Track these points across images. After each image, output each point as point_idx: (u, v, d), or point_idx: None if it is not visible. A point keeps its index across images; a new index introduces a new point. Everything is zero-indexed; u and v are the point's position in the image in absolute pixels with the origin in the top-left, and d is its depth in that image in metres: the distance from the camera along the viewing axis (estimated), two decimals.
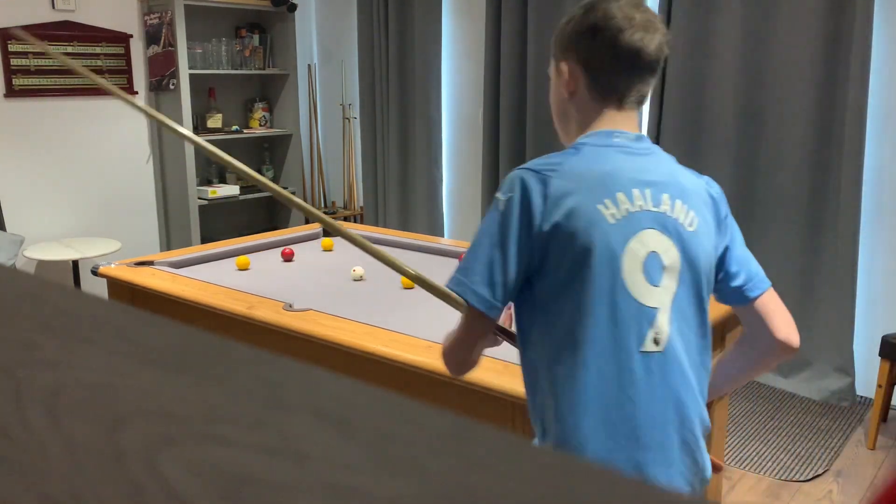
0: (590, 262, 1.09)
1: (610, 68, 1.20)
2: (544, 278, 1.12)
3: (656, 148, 1.25)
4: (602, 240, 1.10)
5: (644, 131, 3.97)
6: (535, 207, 1.11)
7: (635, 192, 1.14)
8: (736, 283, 1.22)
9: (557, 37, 1.26)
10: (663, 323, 1.10)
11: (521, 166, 1.17)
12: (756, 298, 1.21)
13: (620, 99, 1.22)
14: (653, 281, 1.11)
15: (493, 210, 1.14)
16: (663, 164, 1.21)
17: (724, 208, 1.23)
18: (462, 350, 1.20)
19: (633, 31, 1.17)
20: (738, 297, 1.23)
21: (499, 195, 1.15)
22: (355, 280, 2.45)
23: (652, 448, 1.08)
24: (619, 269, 1.10)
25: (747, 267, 1.23)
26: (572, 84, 1.24)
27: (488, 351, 1.61)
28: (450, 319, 2.03)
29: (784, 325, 1.21)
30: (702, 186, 1.21)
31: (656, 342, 1.10)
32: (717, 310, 2.01)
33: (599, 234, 1.10)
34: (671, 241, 1.13)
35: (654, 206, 1.14)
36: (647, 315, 1.10)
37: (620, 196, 1.13)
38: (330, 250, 2.82)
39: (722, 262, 1.21)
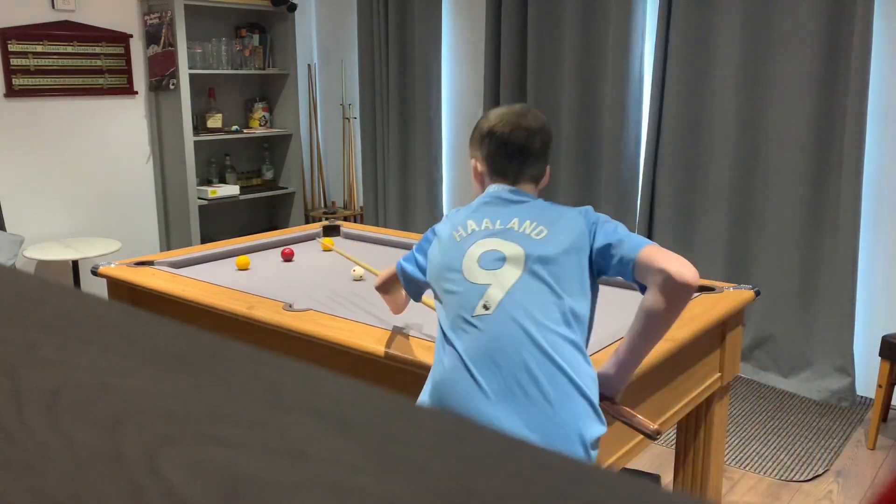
0: (440, 266, 1.58)
1: (502, 160, 1.62)
2: (429, 277, 1.64)
3: (534, 198, 1.62)
4: (450, 252, 1.57)
5: (644, 131, 3.98)
6: (432, 235, 1.69)
7: (486, 220, 1.58)
8: (613, 262, 1.48)
9: (470, 139, 1.70)
10: (494, 294, 1.47)
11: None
12: (635, 259, 1.44)
13: (514, 181, 1.64)
14: (486, 267, 1.51)
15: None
16: (525, 205, 1.59)
17: (592, 218, 1.54)
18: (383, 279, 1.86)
19: (517, 132, 1.61)
20: (622, 269, 1.47)
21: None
22: (355, 280, 2.45)
23: (479, 384, 1.42)
24: (460, 267, 1.53)
25: (620, 249, 1.47)
26: (480, 176, 1.68)
27: None
28: None
29: (674, 260, 1.40)
30: (565, 213, 1.55)
31: (486, 308, 1.47)
32: (716, 309, 2.01)
33: (448, 249, 1.57)
34: (515, 244, 1.52)
35: (500, 226, 1.55)
36: (478, 290, 1.49)
37: (470, 223, 1.59)
38: (329, 250, 2.81)
39: (599, 253, 1.51)
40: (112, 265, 2.47)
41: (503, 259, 1.49)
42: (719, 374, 2.17)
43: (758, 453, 3.04)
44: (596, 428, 1.41)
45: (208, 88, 4.99)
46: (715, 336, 2.12)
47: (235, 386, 0.35)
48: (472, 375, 1.42)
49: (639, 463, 2.95)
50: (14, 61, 4.10)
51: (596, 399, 1.43)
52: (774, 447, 3.09)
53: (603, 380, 1.50)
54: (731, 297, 2.12)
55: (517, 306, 1.44)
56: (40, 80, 4.21)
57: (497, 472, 0.28)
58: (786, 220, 3.57)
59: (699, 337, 1.97)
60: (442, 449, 0.29)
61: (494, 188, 1.63)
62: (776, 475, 2.86)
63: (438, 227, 1.66)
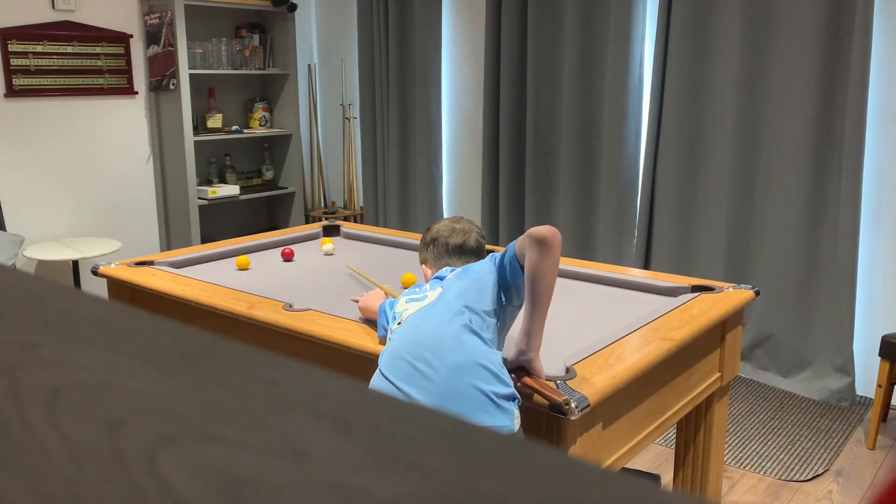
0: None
1: (447, 259, 1.96)
2: None
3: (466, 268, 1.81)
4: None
5: (644, 132, 3.98)
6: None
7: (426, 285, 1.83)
8: (507, 271, 1.67)
9: (419, 248, 2.05)
10: (406, 314, 1.72)
11: None
12: (513, 251, 1.65)
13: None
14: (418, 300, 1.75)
15: None
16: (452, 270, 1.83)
17: (491, 260, 1.75)
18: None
19: (455, 236, 1.97)
20: (512, 267, 1.67)
21: None
22: (326, 254, 2.70)
23: (392, 382, 1.59)
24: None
25: (505, 256, 1.69)
26: (426, 274, 1.99)
27: None
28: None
29: (526, 234, 1.60)
30: (479, 265, 1.77)
31: (398, 322, 1.73)
32: (716, 309, 2.01)
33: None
34: (437, 291, 1.74)
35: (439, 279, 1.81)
36: (398, 317, 1.74)
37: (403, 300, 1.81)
38: (331, 254, 2.81)
39: (501, 274, 1.69)
40: (112, 265, 2.47)
41: (425, 297, 1.75)
42: (719, 373, 2.17)
43: (758, 453, 3.04)
44: (498, 387, 1.53)
45: (208, 88, 4.99)
46: (715, 336, 2.12)
47: (235, 386, 0.35)
48: (386, 377, 1.61)
49: (639, 463, 2.95)
50: (14, 61, 4.10)
51: (494, 367, 1.56)
52: (774, 447, 3.09)
53: (517, 354, 1.61)
54: (731, 297, 2.12)
55: (424, 316, 1.67)
56: (40, 80, 4.21)
57: (497, 472, 0.28)
58: (786, 220, 3.57)
59: (699, 337, 1.97)
60: (442, 449, 0.29)
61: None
62: (776, 475, 2.86)
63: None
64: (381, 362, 1.64)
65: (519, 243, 1.63)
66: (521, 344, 1.60)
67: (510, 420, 1.51)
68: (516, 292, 1.69)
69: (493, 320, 1.68)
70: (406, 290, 1.87)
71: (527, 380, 1.58)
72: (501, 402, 1.51)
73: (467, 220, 2.03)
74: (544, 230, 1.57)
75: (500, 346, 1.69)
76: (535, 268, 1.56)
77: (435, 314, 1.66)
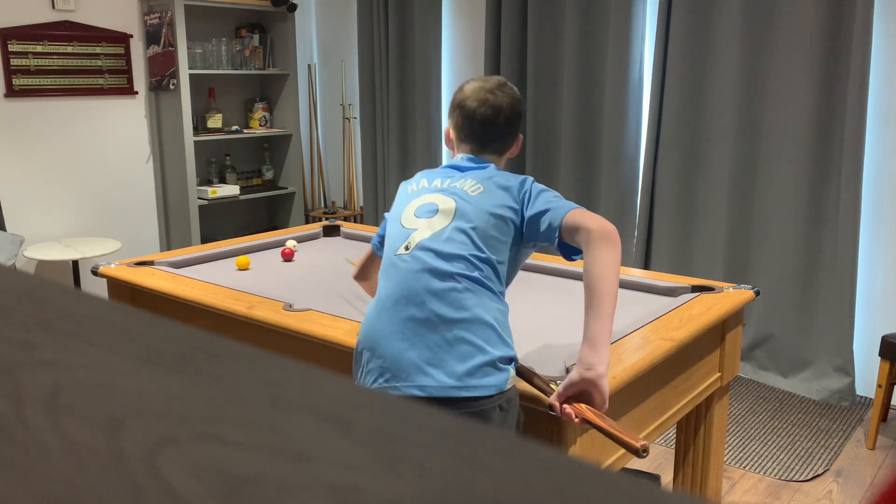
0: (392, 216, 1.74)
1: (468, 132, 1.74)
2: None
3: (487, 165, 1.72)
4: (401, 203, 1.74)
5: (644, 132, 3.98)
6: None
7: (437, 179, 1.72)
8: (542, 228, 1.58)
9: (449, 106, 1.81)
10: (415, 237, 1.63)
11: None
12: (561, 223, 1.55)
13: (478, 151, 1.75)
14: (419, 216, 1.66)
15: None
16: (478, 170, 1.70)
17: (526, 185, 1.65)
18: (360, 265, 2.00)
19: (484, 107, 1.70)
20: (550, 234, 1.57)
21: None
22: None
23: (387, 309, 1.58)
24: (400, 215, 1.70)
25: (549, 218, 1.58)
26: (451, 142, 1.80)
27: None
28: None
29: (591, 219, 1.51)
30: (505, 179, 1.65)
31: (406, 248, 1.63)
32: (716, 309, 2.01)
33: (401, 201, 1.75)
34: (451, 198, 1.65)
35: (446, 185, 1.69)
36: (406, 233, 1.66)
37: (423, 180, 1.75)
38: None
39: (531, 221, 1.61)
40: (112, 265, 2.47)
41: (436, 210, 1.65)
42: (719, 373, 2.17)
43: (758, 453, 3.04)
44: (500, 349, 1.51)
45: (208, 88, 4.99)
46: (715, 336, 2.12)
47: (235, 386, 0.35)
48: (387, 312, 1.57)
49: (639, 463, 2.95)
50: (14, 61, 4.10)
51: (499, 325, 1.54)
52: (774, 447, 3.09)
53: (583, 370, 1.43)
54: (731, 297, 2.12)
55: (431, 253, 1.59)
56: (40, 80, 4.21)
57: (497, 472, 0.28)
58: (786, 220, 3.57)
59: (699, 337, 1.97)
60: (442, 449, 0.29)
61: (459, 156, 1.76)
62: (776, 475, 2.86)
63: (401, 186, 1.82)
64: (384, 283, 1.60)
65: (571, 223, 1.52)
66: (587, 358, 1.41)
67: (502, 380, 1.48)
68: (533, 242, 1.62)
69: (505, 266, 1.60)
70: (418, 175, 1.78)
71: (590, 415, 1.37)
72: (500, 364, 1.48)
73: (504, 83, 1.74)
74: (608, 227, 1.48)
75: (508, 281, 1.64)
76: (605, 267, 1.44)
77: (441, 242, 1.58)
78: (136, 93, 4.64)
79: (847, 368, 3.45)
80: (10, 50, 4.07)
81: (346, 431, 0.31)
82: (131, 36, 4.56)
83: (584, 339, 1.45)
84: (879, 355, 3.02)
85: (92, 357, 0.39)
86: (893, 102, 3.32)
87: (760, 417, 3.35)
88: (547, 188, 1.64)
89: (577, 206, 1.56)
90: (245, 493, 0.28)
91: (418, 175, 1.79)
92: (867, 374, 3.52)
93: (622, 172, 4.08)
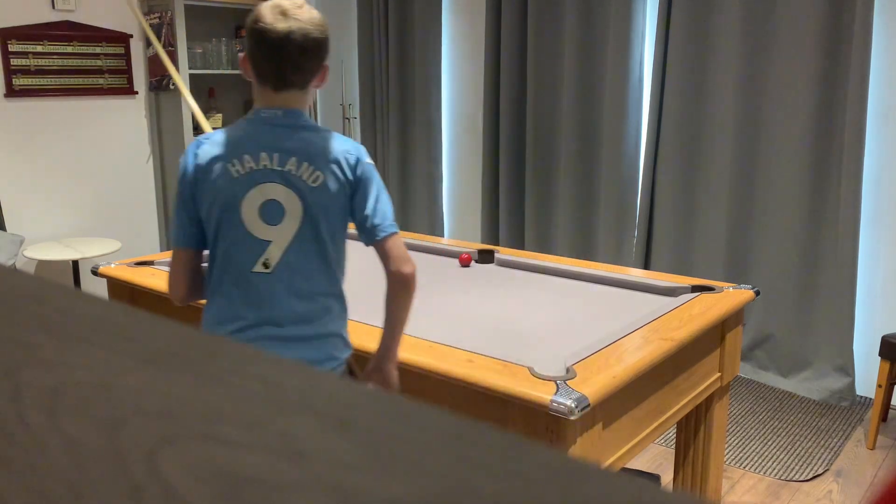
0: (217, 204, 1.55)
1: (260, 59, 1.54)
2: (202, 216, 1.59)
3: (307, 122, 1.60)
4: (226, 189, 1.54)
5: (644, 132, 3.98)
6: (189, 167, 1.58)
7: (263, 154, 1.54)
8: (366, 225, 1.59)
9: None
10: (274, 253, 1.55)
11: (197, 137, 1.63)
12: (380, 241, 1.59)
13: (275, 83, 1.56)
14: (269, 221, 1.55)
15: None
16: (305, 135, 1.57)
17: (360, 171, 1.59)
18: (171, 277, 1.66)
19: (274, 27, 1.50)
20: (368, 237, 1.60)
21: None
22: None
23: (244, 331, 1.58)
24: (239, 211, 1.54)
25: (376, 216, 1.59)
26: (246, 73, 1.61)
27: (488, 351, 1.71)
28: (449, 319, 2.03)
29: (395, 260, 1.59)
30: (341, 153, 1.58)
31: (266, 266, 1.55)
32: (716, 309, 2.01)
33: (225, 184, 1.55)
34: (293, 193, 1.55)
35: (278, 166, 1.54)
36: (260, 245, 1.55)
37: (247, 157, 1.55)
38: None
39: (355, 210, 1.60)
40: (112, 265, 2.47)
41: (283, 213, 1.56)
42: (719, 373, 2.17)
43: (758, 453, 3.04)
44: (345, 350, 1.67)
45: (208, 88, 4.99)
46: (714, 336, 2.12)
47: (235, 386, 0.35)
48: (246, 335, 1.58)
49: (639, 463, 2.95)
50: (14, 61, 4.10)
51: (342, 332, 1.66)
52: (774, 447, 3.09)
53: (377, 362, 1.68)
54: (731, 296, 2.12)
55: (292, 268, 1.57)
56: (40, 81, 4.21)
57: (497, 472, 0.28)
58: (786, 220, 3.57)
59: (699, 337, 1.97)
60: (442, 449, 0.29)
61: (265, 112, 1.59)
62: (776, 475, 2.86)
63: (200, 158, 1.58)
64: (236, 293, 1.57)
65: (387, 251, 1.59)
66: (386, 364, 1.66)
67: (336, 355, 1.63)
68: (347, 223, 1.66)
69: (343, 249, 1.66)
70: (218, 140, 1.57)
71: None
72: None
73: (303, 3, 1.55)
74: (413, 275, 1.60)
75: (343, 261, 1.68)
76: (404, 307, 1.62)
77: (299, 256, 1.56)
78: (136, 93, 4.64)
79: (847, 368, 3.45)
80: (10, 50, 4.07)
81: (346, 431, 0.31)
82: (131, 36, 4.56)
83: (384, 352, 1.67)
84: (879, 355, 3.02)
85: (92, 357, 0.39)
86: (893, 102, 3.32)
87: (760, 417, 3.35)
88: (378, 179, 1.62)
89: (396, 227, 1.62)
90: (245, 493, 0.28)
91: (222, 143, 1.57)
92: (867, 374, 3.52)
93: (622, 172, 4.08)
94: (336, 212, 1.58)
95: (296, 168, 1.54)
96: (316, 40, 1.53)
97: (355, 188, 1.59)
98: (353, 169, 1.58)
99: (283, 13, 1.51)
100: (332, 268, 1.61)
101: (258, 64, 1.55)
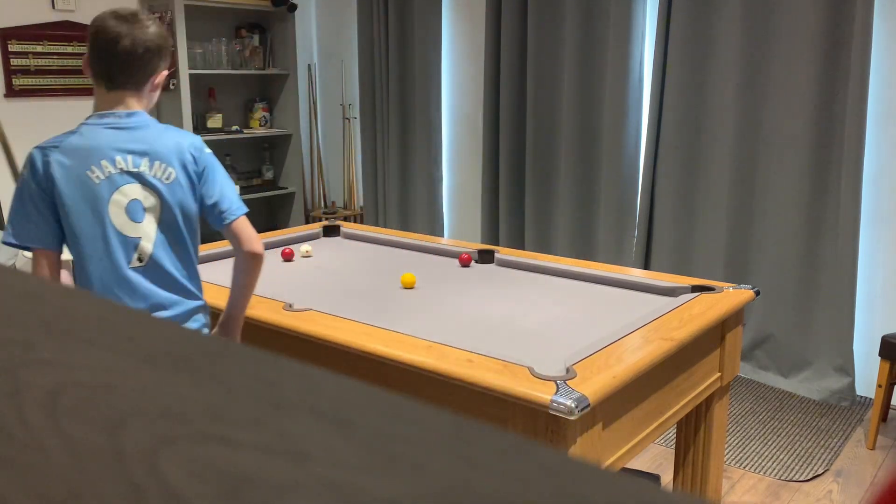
0: (82, 211, 1.67)
1: (95, 58, 1.69)
2: (64, 222, 1.69)
3: (148, 121, 1.75)
4: (90, 195, 1.67)
5: (644, 131, 3.98)
6: (40, 176, 1.66)
7: (118, 158, 1.69)
8: (215, 211, 1.77)
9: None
10: (146, 247, 1.73)
11: (37, 145, 1.69)
12: (230, 224, 1.77)
13: (106, 82, 1.71)
14: (135, 219, 1.71)
15: (19, 181, 1.68)
16: (149, 134, 1.73)
17: (203, 162, 1.78)
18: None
19: (108, 29, 1.66)
20: (217, 222, 1.78)
21: (22, 170, 1.68)
22: (304, 257, 2.70)
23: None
24: (106, 214, 1.68)
25: (224, 202, 1.78)
26: (85, 71, 1.73)
27: (488, 351, 1.70)
28: (449, 319, 2.03)
29: (248, 241, 1.78)
30: (184, 147, 1.75)
31: (140, 260, 1.72)
32: (716, 309, 2.01)
33: (87, 191, 1.66)
34: (150, 191, 1.71)
35: (133, 168, 1.70)
36: (132, 243, 1.71)
37: (104, 163, 1.68)
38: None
39: (203, 198, 1.78)
40: None
41: (144, 210, 1.73)
42: (719, 373, 2.17)
43: (758, 453, 3.04)
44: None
45: (208, 88, 4.99)
46: (715, 336, 2.12)
47: (235, 386, 0.35)
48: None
49: (639, 463, 2.95)
50: (14, 61, 4.10)
51: (200, 305, 1.85)
52: (774, 447, 3.09)
53: (232, 327, 1.90)
54: (731, 297, 2.12)
55: (160, 260, 1.76)
56: (40, 80, 4.21)
57: (497, 472, 0.28)
58: (786, 220, 3.57)
59: (699, 337, 1.97)
60: (442, 449, 0.29)
61: (107, 115, 1.71)
62: (776, 475, 2.86)
63: (54, 167, 1.66)
64: (120, 292, 1.72)
65: (235, 232, 1.77)
66: (233, 324, 1.89)
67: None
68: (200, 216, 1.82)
69: (197, 233, 1.84)
70: (64, 145, 1.67)
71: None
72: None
73: (137, 12, 1.71)
74: (262, 252, 1.80)
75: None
76: (253, 282, 1.83)
77: (164, 249, 1.74)
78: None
79: (847, 368, 3.45)
80: (10, 50, 4.07)
81: (346, 431, 0.31)
82: None
83: (234, 315, 1.89)
84: (879, 355, 3.02)
85: (92, 357, 0.39)
86: (893, 102, 3.32)
87: (760, 417, 3.35)
88: (220, 167, 1.81)
89: (244, 208, 1.81)
90: (245, 493, 0.28)
91: (74, 147, 1.67)
92: (867, 374, 3.52)
93: (622, 172, 4.08)
94: (189, 202, 1.76)
95: (149, 168, 1.71)
96: (146, 47, 1.69)
97: (201, 178, 1.78)
98: (197, 161, 1.77)
99: (119, 18, 1.68)
100: (191, 253, 1.82)
101: (93, 63, 1.70)
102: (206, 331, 1.84)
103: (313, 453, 0.30)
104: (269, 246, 2.92)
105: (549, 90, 4.30)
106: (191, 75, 4.72)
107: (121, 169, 1.68)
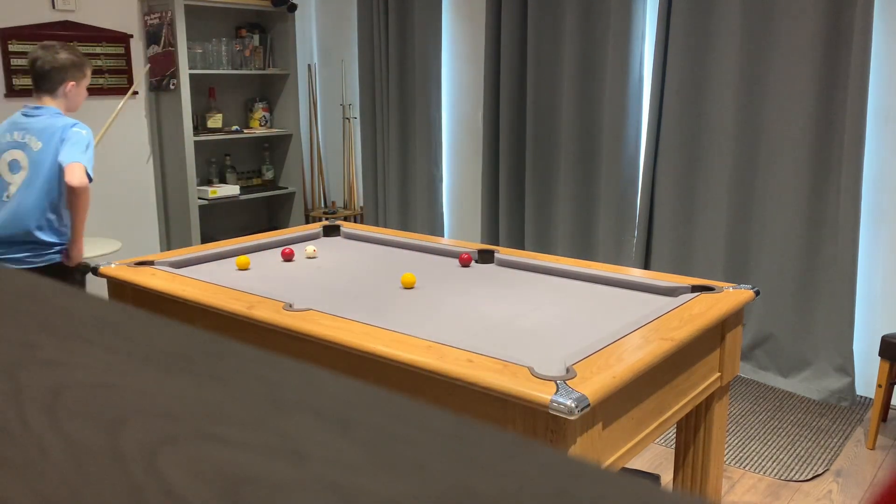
0: None
1: (33, 82, 2.85)
2: None
3: (47, 112, 2.79)
4: None
5: (644, 131, 3.98)
6: None
7: (15, 133, 2.78)
8: (62, 164, 2.70)
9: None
10: (13, 189, 2.74)
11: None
12: (62, 168, 2.69)
13: (33, 90, 2.85)
14: (12, 171, 2.76)
15: None
16: (40, 120, 2.77)
17: (66, 135, 2.74)
18: None
19: (33, 55, 2.82)
20: (61, 170, 2.71)
21: None
22: (309, 258, 2.70)
23: (3, 244, 2.77)
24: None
25: (64, 156, 2.70)
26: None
27: (488, 351, 1.70)
28: (449, 319, 2.03)
29: (69, 178, 2.67)
30: (59, 129, 2.75)
31: (7, 196, 2.74)
32: (716, 309, 2.01)
33: None
34: (25, 154, 2.75)
35: (20, 139, 2.76)
36: (4, 185, 2.77)
37: (6, 134, 2.79)
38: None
39: (59, 156, 2.74)
40: (112, 265, 2.47)
41: (19, 166, 2.75)
42: (719, 373, 2.17)
43: (757, 453, 3.04)
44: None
45: (208, 88, 4.99)
46: (714, 336, 2.12)
47: (235, 386, 0.35)
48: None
49: (639, 463, 2.95)
50: (14, 61, 4.10)
51: (51, 240, 2.79)
52: (774, 447, 3.09)
53: (76, 251, 2.83)
54: (731, 296, 2.12)
55: (23, 197, 2.74)
56: None
57: (497, 472, 0.28)
58: (786, 220, 3.57)
59: (699, 337, 1.97)
60: (442, 449, 0.29)
61: (27, 108, 2.81)
62: (776, 475, 2.87)
63: None
64: None
65: (65, 173, 2.66)
66: (71, 244, 2.80)
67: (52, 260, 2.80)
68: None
69: (57, 188, 2.75)
70: (8, 132, 2.79)
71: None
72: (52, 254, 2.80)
73: (54, 45, 2.83)
74: (81, 186, 2.67)
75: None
76: (79, 211, 2.73)
77: (26, 190, 2.74)
78: (136, 93, 4.64)
79: (847, 368, 3.45)
80: (10, 50, 4.07)
81: (346, 431, 0.31)
82: (131, 36, 4.56)
83: (72, 240, 2.81)
84: (879, 355, 3.02)
85: (92, 357, 0.39)
86: (893, 102, 3.32)
87: (760, 417, 3.35)
88: (78, 138, 2.72)
89: (81, 160, 2.68)
90: (245, 493, 0.28)
91: (5, 124, 2.81)
92: (867, 374, 3.52)
93: (622, 172, 4.08)
94: (49, 164, 2.73)
95: (28, 140, 2.75)
96: (52, 67, 2.79)
97: (61, 146, 2.71)
98: (62, 135, 2.73)
99: (43, 48, 2.81)
100: (48, 199, 2.74)
101: (33, 84, 2.85)
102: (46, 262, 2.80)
103: (313, 453, 0.30)
104: (269, 246, 2.93)
105: (548, 90, 4.30)
106: (191, 75, 4.72)
107: (13, 139, 2.77)
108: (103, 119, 4.51)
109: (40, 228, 2.74)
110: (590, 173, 4.24)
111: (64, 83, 2.80)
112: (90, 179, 2.72)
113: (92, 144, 2.76)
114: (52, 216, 2.75)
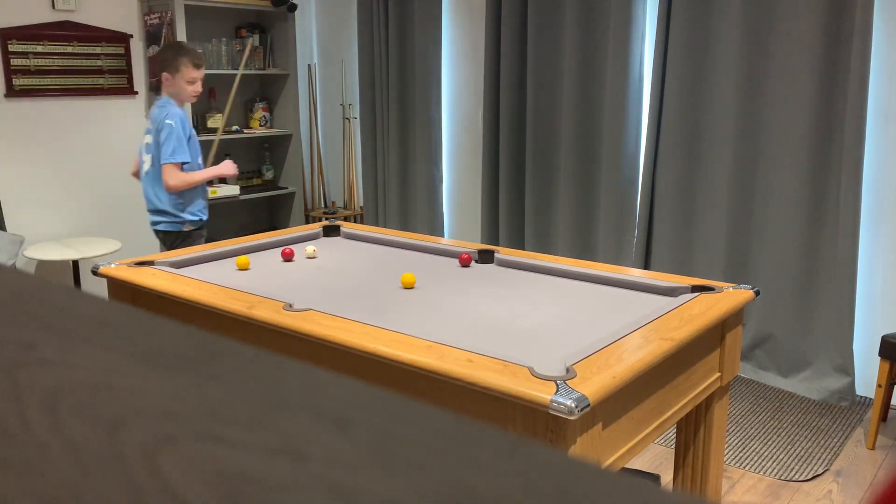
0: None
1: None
2: None
3: (158, 103, 3.38)
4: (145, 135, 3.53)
5: (644, 131, 3.98)
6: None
7: (149, 124, 3.42)
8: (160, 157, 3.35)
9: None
10: (146, 167, 3.41)
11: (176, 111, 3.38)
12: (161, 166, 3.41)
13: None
14: (147, 153, 3.39)
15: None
16: (155, 110, 3.36)
17: (160, 126, 3.29)
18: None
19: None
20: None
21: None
22: (309, 258, 2.71)
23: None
24: (141, 145, 3.51)
25: (163, 154, 3.33)
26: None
27: (488, 351, 1.70)
28: (449, 319, 2.03)
29: (169, 183, 3.36)
30: (159, 117, 3.31)
31: (144, 164, 3.43)
32: (716, 309, 2.01)
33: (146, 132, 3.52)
34: (151, 139, 3.34)
35: (149, 126, 3.39)
36: (141, 163, 3.46)
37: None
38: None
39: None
40: (112, 265, 2.47)
41: (148, 145, 3.37)
42: (719, 373, 2.17)
43: (757, 453, 3.04)
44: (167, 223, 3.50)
45: (208, 88, 4.99)
46: (714, 336, 2.12)
47: (235, 386, 0.35)
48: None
49: (639, 463, 2.95)
50: (14, 61, 4.10)
51: (169, 209, 3.46)
52: (774, 447, 3.09)
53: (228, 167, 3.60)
54: (731, 296, 2.12)
55: (150, 175, 3.39)
56: (40, 81, 4.20)
57: (497, 472, 0.28)
58: (786, 220, 3.57)
59: (699, 337, 1.97)
60: (442, 449, 0.29)
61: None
62: (776, 475, 2.87)
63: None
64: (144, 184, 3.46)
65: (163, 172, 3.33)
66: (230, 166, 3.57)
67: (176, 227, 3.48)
68: None
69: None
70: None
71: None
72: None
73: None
74: (173, 188, 3.36)
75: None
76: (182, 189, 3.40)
77: (152, 164, 3.39)
78: (136, 93, 4.64)
79: (847, 368, 3.45)
80: (10, 50, 4.07)
81: (346, 431, 0.31)
82: (131, 36, 4.56)
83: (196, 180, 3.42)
84: (879, 355, 3.02)
85: (92, 357, 0.39)
86: (893, 102, 3.32)
87: (760, 417, 3.35)
88: (171, 135, 3.26)
89: (174, 159, 3.27)
90: (245, 493, 0.28)
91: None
92: (867, 374, 3.52)
93: (622, 173, 4.08)
94: (157, 149, 3.31)
95: (150, 126, 3.36)
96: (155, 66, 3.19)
97: (159, 134, 3.28)
98: (160, 125, 3.27)
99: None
100: (160, 178, 3.33)
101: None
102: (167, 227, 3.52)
103: (313, 453, 0.30)
104: (269, 246, 2.93)
105: (548, 90, 4.30)
106: None
107: (148, 128, 3.38)
108: (103, 119, 4.51)
109: (160, 200, 3.41)
110: (590, 173, 4.24)
111: (158, 81, 3.47)
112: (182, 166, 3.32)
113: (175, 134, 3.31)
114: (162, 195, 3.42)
